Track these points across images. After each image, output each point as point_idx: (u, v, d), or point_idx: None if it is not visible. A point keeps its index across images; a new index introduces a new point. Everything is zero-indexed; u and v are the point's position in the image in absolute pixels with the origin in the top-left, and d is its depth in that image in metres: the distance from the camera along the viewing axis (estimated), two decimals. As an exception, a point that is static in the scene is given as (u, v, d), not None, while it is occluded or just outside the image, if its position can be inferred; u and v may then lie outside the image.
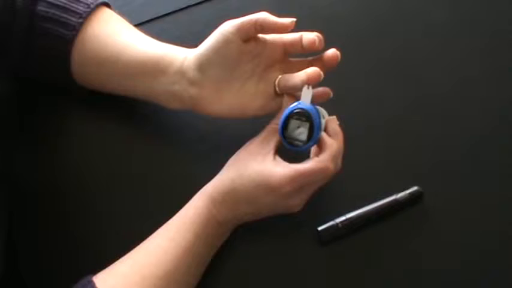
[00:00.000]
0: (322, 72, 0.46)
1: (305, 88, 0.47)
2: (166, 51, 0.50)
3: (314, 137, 0.46)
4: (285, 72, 0.50)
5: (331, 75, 0.48)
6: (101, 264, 0.45)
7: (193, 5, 0.61)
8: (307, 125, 0.46)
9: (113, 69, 0.51)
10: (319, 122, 0.46)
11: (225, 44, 0.47)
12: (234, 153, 0.49)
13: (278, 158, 0.47)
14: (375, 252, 0.51)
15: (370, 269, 0.50)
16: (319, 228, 0.51)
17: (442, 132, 0.56)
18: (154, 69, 0.49)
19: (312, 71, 0.46)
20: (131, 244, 0.47)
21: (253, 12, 0.48)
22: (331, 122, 0.49)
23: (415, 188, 0.52)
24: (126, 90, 0.52)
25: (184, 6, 0.61)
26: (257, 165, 0.46)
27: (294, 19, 0.47)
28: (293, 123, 0.46)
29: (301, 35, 0.48)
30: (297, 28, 0.48)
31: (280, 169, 0.46)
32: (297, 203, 0.47)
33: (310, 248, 0.51)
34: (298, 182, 0.46)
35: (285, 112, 0.47)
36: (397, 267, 0.50)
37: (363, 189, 0.53)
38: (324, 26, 0.50)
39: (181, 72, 0.49)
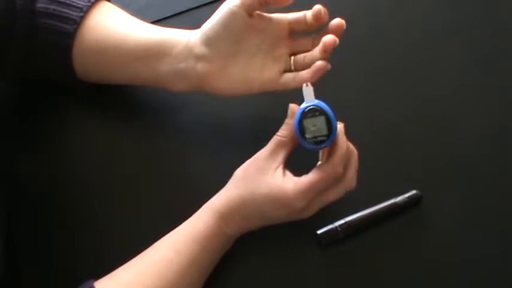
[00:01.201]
0: (337, 38, 0.47)
1: (304, 86, 0.47)
2: (169, 34, 0.50)
3: (334, 125, 0.46)
4: (292, 50, 0.50)
5: (330, 78, 0.48)
6: (102, 265, 0.45)
7: (195, 7, 0.61)
8: (323, 118, 0.46)
9: (114, 58, 0.51)
10: (332, 111, 0.46)
11: (232, 16, 0.47)
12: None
13: (288, 173, 0.47)
14: (374, 255, 0.51)
15: (369, 272, 0.50)
16: (318, 232, 0.51)
17: (441, 135, 0.56)
18: (159, 52, 0.49)
19: (327, 38, 0.46)
20: (132, 245, 0.46)
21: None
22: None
23: (414, 192, 0.52)
24: (128, 79, 0.52)
25: (185, 9, 0.61)
26: (268, 181, 0.46)
27: None
28: (308, 122, 0.46)
29: (305, 13, 0.49)
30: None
31: (292, 185, 0.46)
32: (309, 213, 0.48)
33: (309, 252, 0.51)
34: (311, 195, 0.46)
35: (296, 117, 0.46)
36: (396, 271, 0.50)
37: (362, 193, 0.52)
38: (319, 31, 0.50)
39: (187, 50, 0.49)
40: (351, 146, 0.48)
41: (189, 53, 0.49)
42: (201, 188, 0.49)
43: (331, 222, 0.51)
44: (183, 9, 0.61)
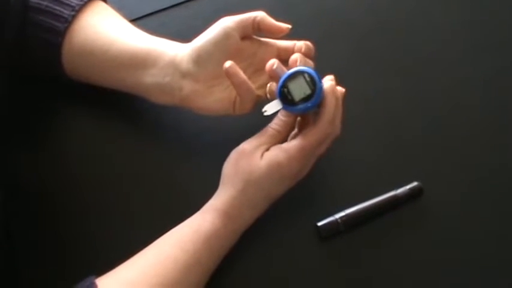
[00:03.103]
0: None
1: (265, 114, 0.47)
2: (156, 45, 0.50)
3: (317, 80, 0.45)
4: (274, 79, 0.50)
5: (334, 71, 0.48)
6: (101, 265, 0.44)
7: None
8: (302, 78, 0.45)
9: (101, 61, 0.50)
10: (313, 69, 0.46)
11: (226, 38, 0.47)
12: (228, 153, 0.49)
13: (272, 147, 0.47)
14: (375, 247, 0.51)
15: (370, 264, 0.50)
16: (319, 224, 0.50)
17: (443, 128, 0.56)
18: (144, 61, 0.49)
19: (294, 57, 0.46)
20: (132, 244, 0.46)
21: (252, 7, 0.48)
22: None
23: (415, 184, 0.52)
24: (114, 84, 0.52)
25: (182, 0, 0.61)
26: (259, 163, 0.46)
27: (290, 26, 0.48)
28: (294, 84, 0.45)
29: (294, 43, 0.49)
30: (297, 26, 0.49)
31: (284, 155, 0.46)
32: (306, 171, 0.48)
33: (310, 244, 0.50)
34: (304, 158, 0.46)
35: (278, 85, 0.46)
36: (396, 263, 0.50)
37: (363, 185, 0.52)
38: (323, 24, 0.50)
39: (173, 65, 0.48)
40: (337, 93, 0.48)
41: (175, 68, 0.48)
42: (201, 187, 0.49)
43: (332, 214, 0.50)
44: (181, 0, 0.61)
